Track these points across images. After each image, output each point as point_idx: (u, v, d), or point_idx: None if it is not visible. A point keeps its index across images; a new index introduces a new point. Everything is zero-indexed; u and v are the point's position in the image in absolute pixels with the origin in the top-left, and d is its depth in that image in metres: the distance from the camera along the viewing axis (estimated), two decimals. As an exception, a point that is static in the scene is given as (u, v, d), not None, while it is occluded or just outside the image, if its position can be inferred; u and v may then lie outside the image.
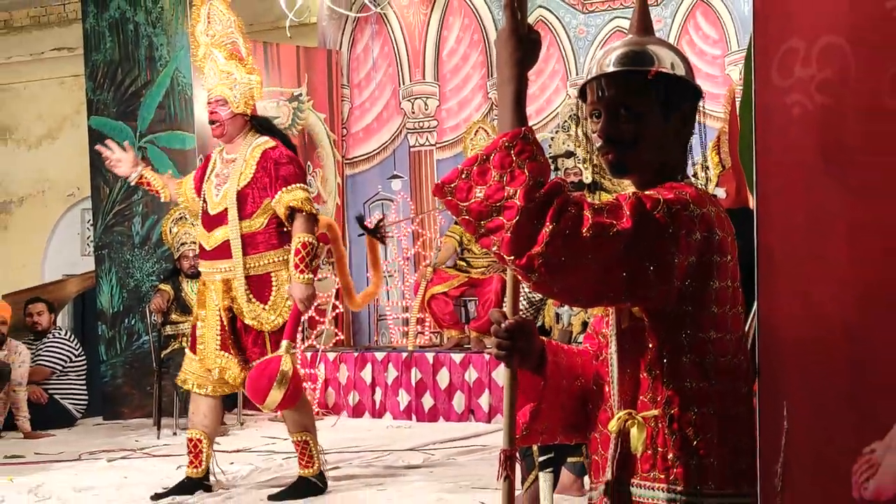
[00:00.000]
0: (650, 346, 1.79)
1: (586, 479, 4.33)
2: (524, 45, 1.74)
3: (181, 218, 7.62)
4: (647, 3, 2.01)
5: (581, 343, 2.09)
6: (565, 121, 6.56)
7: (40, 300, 8.31)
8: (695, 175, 5.26)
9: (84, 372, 8.30)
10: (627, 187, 2.03)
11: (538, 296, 5.26)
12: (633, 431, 1.78)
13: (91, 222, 9.26)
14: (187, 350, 5.30)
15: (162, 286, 7.70)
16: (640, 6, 1.98)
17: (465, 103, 9.34)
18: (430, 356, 8.05)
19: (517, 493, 3.71)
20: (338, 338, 8.94)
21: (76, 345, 8.27)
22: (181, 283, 7.65)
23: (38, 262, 11.31)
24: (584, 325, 4.37)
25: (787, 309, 1.79)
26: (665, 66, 1.86)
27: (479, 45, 9.34)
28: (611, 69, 1.87)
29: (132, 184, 5.44)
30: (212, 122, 5.10)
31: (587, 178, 5.79)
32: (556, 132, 6.77)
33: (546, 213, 1.59)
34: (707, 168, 4.93)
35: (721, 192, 5.52)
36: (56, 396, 8.05)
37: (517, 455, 1.95)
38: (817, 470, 1.79)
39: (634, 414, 1.80)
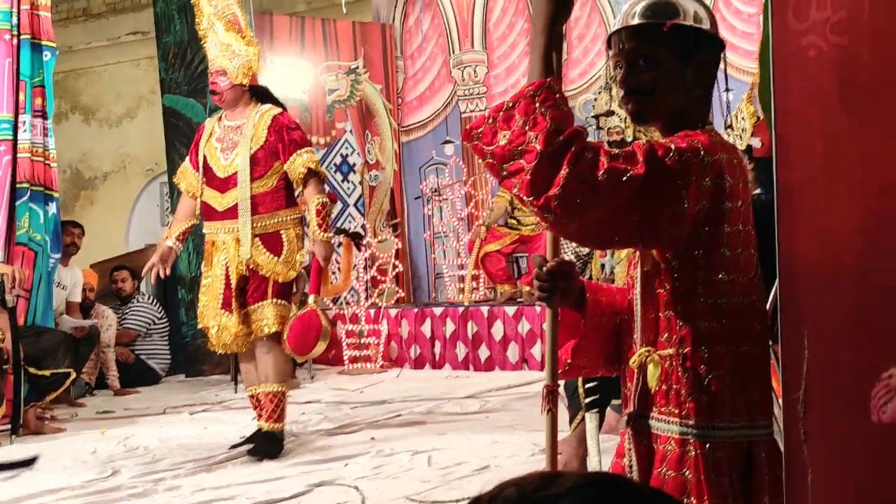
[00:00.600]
0: (667, 287, 1.78)
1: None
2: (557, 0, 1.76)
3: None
4: None
5: None
6: (607, 81, 6.50)
7: (124, 268, 8.47)
8: (730, 126, 5.16)
9: (167, 333, 8.46)
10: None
11: (585, 250, 5.24)
12: (650, 368, 1.79)
13: (168, 195, 9.39)
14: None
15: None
16: None
17: (512, 69, 9.27)
18: (485, 310, 8.07)
19: (565, 434, 3.72)
20: (399, 295, 9.00)
21: (159, 309, 8.42)
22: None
23: (123, 233, 11.52)
24: (627, 274, 4.34)
25: (806, 243, 1.77)
26: (685, 18, 1.83)
27: (525, 13, 9.25)
28: (633, 22, 1.85)
29: (180, 249, 5.16)
30: (212, 93, 5.07)
31: (629, 136, 5.73)
32: (599, 93, 6.72)
33: (564, 157, 1.60)
34: (743, 119, 4.88)
35: (756, 142, 5.44)
36: (142, 357, 8.21)
37: (559, 390, 1.96)
38: (837, 395, 1.77)
39: (652, 352, 1.80)
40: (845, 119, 1.73)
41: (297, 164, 4.90)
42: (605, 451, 3.61)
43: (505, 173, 1.65)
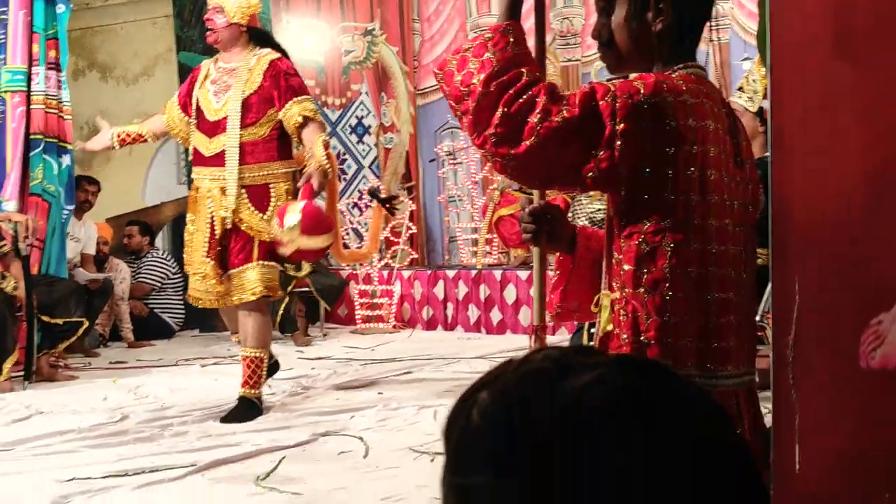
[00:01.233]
0: (615, 231, 1.75)
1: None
2: None
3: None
4: None
5: None
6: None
7: (136, 223, 8.54)
8: (740, 88, 5.10)
9: (181, 288, 8.50)
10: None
11: (600, 216, 5.23)
12: (602, 311, 1.79)
13: (184, 152, 9.41)
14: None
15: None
16: None
17: (528, 34, 9.15)
18: (497, 273, 8.09)
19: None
20: (412, 257, 9.03)
21: (173, 264, 8.48)
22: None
23: (139, 189, 11.56)
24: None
25: (799, 188, 1.77)
26: None
27: (544, -23, 9.16)
28: None
29: (116, 148, 5.16)
30: (207, 31, 4.82)
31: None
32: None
33: (501, 98, 1.64)
34: (754, 80, 4.83)
35: (767, 104, 5.39)
36: (156, 311, 8.29)
37: (545, 328, 1.98)
38: (826, 341, 1.78)
39: (606, 295, 1.79)
40: (840, 63, 1.73)
41: (294, 111, 4.62)
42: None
43: (458, 113, 1.70)
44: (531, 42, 1.87)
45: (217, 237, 4.71)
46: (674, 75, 1.75)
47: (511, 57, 1.67)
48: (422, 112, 9.80)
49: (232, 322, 5.01)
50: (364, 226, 8.90)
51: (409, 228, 8.83)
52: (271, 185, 4.69)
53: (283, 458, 3.86)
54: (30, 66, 6.17)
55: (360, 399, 5.12)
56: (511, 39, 1.69)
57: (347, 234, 8.85)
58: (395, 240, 8.67)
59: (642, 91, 1.64)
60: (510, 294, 8.01)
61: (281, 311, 7.34)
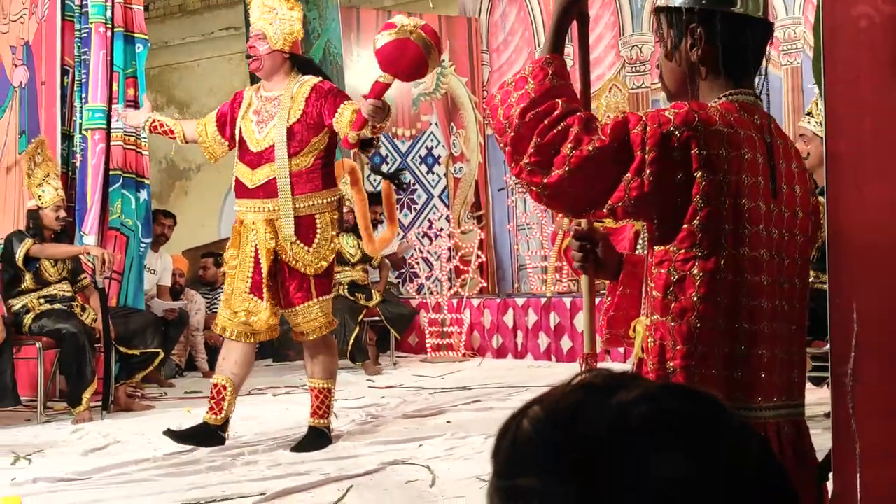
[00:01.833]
0: (649, 259, 1.77)
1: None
2: None
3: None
4: None
5: None
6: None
7: (210, 255, 8.71)
8: (809, 113, 5.05)
9: (255, 319, 8.67)
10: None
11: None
12: (637, 337, 1.81)
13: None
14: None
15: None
16: None
17: (597, 62, 9.21)
18: (567, 301, 8.07)
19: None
20: (482, 285, 9.06)
21: (247, 295, 8.62)
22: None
23: (215, 223, 11.83)
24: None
25: (855, 215, 1.76)
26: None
27: (611, 6, 9.18)
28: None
29: (146, 131, 5.11)
30: (248, 57, 4.71)
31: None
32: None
33: (535, 128, 1.68)
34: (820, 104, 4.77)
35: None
36: (230, 341, 8.43)
37: (595, 356, 2.00)
38: (888, 367, 1.76)
39: (640, 322, 1.81)
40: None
41: (347, 110, 4.42)
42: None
43: (501, 145, 1.76)
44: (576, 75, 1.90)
45: (263, 273, 4.57)
46: (714, 103, 1.75)
47: (549, 89, 1.71)
48: (491, 141, 9.87)
49: (228, 360, 4.79)
50: (435, 255, 8.96)
51: (478, 257, 8.89)
52: (316, 216, 4.60)
53: (351, 487, 3.89)
54: (109, 103, 6.38)
55: (428, 428, 5.14)
56: (550, 72, 1.73)
57: (417, 263, 8.93)
58: (465, 268, 8.72)
59: (673, 120, 1.65)
60: (580, 322, 7.97)
61: (352, 341, 7.41)
